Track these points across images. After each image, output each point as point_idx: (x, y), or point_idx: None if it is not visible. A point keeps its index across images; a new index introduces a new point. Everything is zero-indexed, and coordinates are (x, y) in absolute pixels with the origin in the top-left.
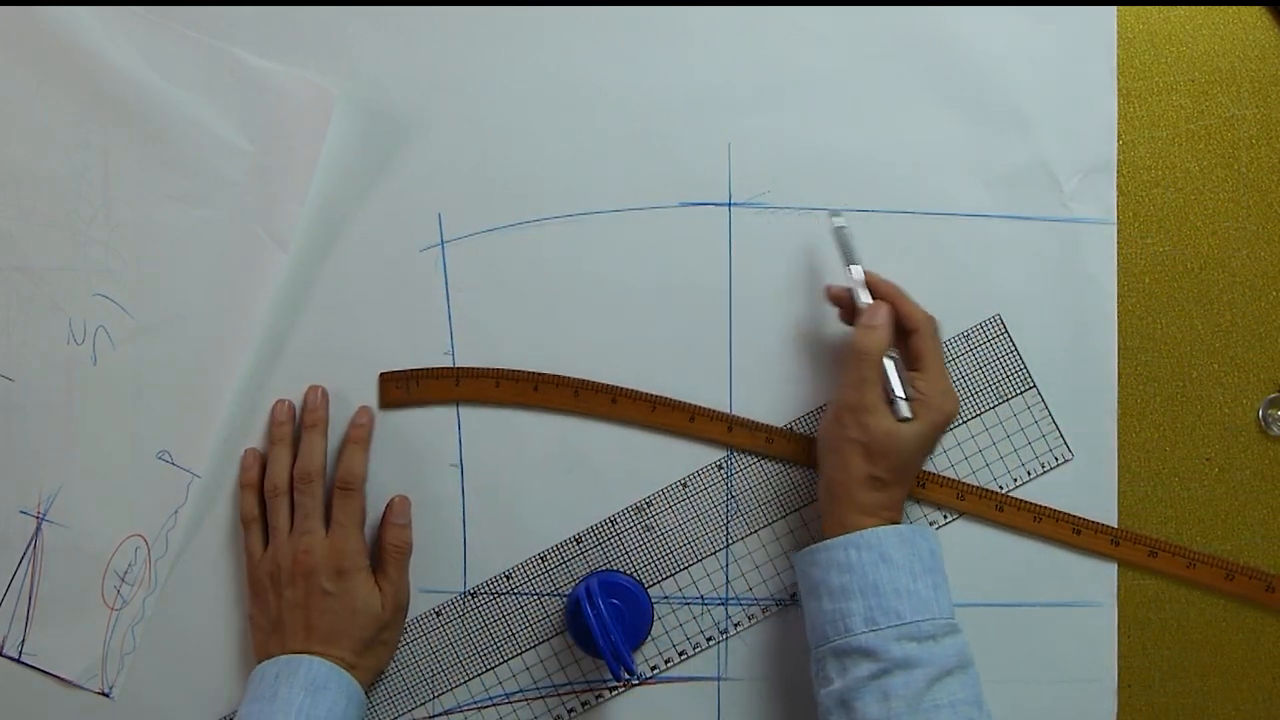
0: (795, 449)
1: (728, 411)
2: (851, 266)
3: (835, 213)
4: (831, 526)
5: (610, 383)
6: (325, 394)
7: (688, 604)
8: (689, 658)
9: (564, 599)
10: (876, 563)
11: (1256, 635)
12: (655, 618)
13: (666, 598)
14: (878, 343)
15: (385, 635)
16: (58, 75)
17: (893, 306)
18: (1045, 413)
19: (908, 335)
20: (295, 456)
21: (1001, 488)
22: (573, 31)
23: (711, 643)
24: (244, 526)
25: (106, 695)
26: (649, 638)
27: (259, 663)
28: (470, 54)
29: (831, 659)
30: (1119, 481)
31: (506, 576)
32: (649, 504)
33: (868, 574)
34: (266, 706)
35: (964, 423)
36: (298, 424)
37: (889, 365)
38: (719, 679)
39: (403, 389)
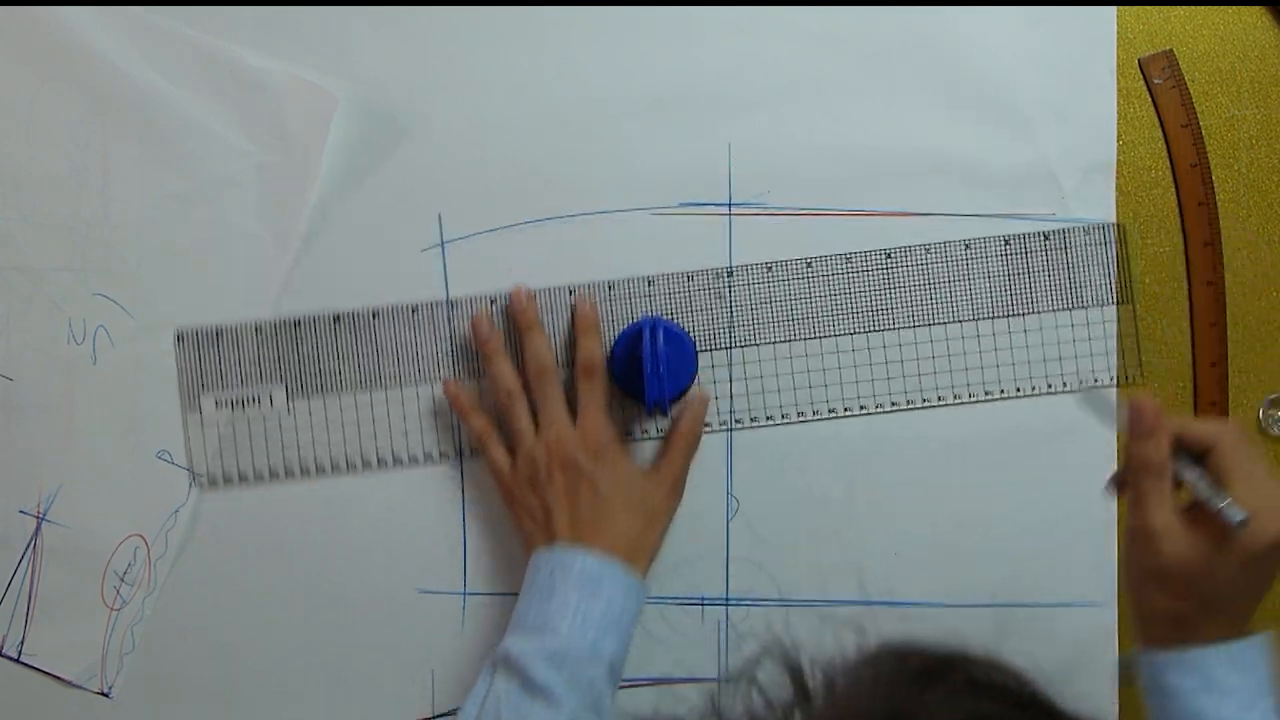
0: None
1: (728, 409)
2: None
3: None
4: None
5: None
6: (531, 293)
7: (686, 605)
8: (688, 652)
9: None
10: (1197, 691)
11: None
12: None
13: (665, 599)
14: (1153, 451)
15: (655, 517)
16: (58, 75)
17: (1176, 435)
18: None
19: (1206, 456)
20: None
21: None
22: (573, 31)
23: (714, 649)
24: (479, 443)
25: (106, 695)
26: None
27: (530, 553)
28: (470, 54)
29: None
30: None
31: (570, 290)
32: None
33: (1187, 703)
34: (544, 605)
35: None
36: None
37: (1195, 479)
38: (719, 680)
39: None
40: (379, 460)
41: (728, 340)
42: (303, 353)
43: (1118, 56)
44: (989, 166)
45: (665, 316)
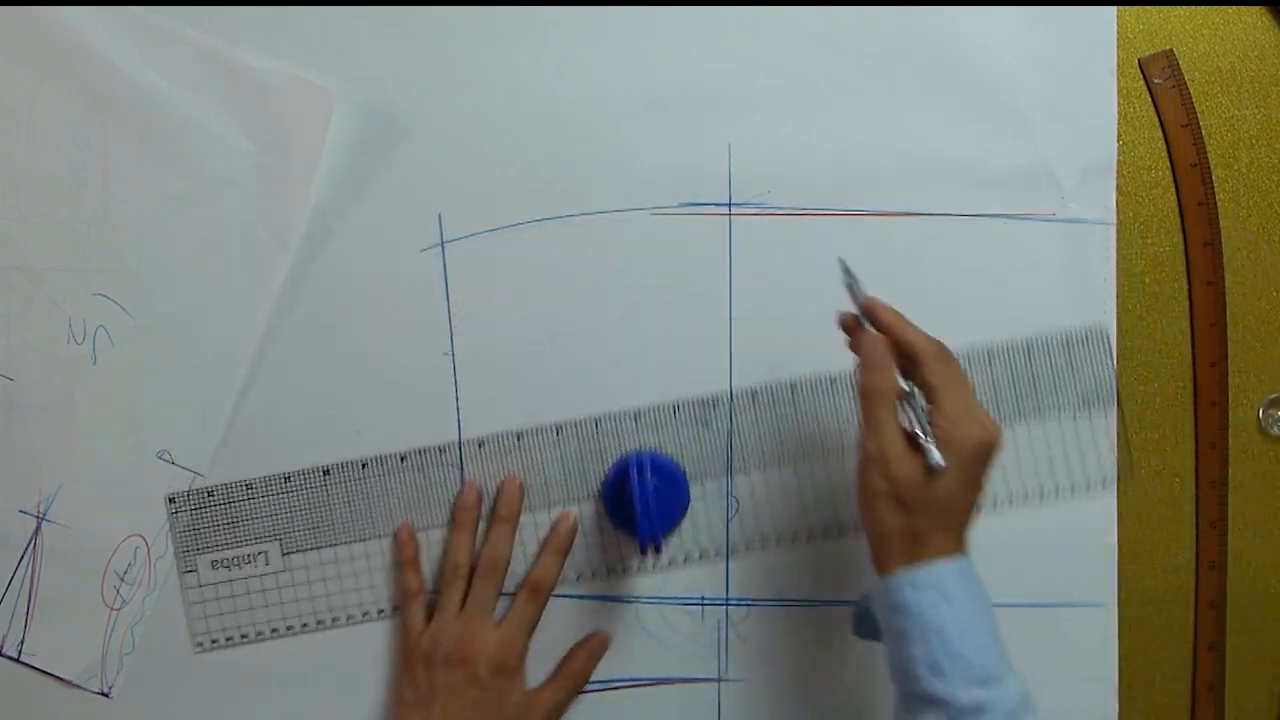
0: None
1: (728, 414)
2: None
3: (846, 268)
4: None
5: (610, 382)
6: (523, 488)
7: (687, 605)
8: (688, 652)
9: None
10: (936, 602)
11: (1257, 635)
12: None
13: (666, 598)
14: (883, 381)
15: None
16: (58, 75)
17: (890, 338)
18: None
19: (914, 366)
20: (468, 542)
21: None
22: (573, 31)
23: (714, 649)
24: (403, 600)
25: (106, 695)
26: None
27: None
28: (470, 54)
29: (902, 705)
30: (1118, 482)
31: (557, 429)
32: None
33: (927, 615)
34: None
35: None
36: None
37: (912, 408)
38: (719, 679)
39: None
40: (379, 611)
41: (719, 467)
42: (294, 507)
43: (1118, 56)
44: (989, 166)
45: (654, 447)
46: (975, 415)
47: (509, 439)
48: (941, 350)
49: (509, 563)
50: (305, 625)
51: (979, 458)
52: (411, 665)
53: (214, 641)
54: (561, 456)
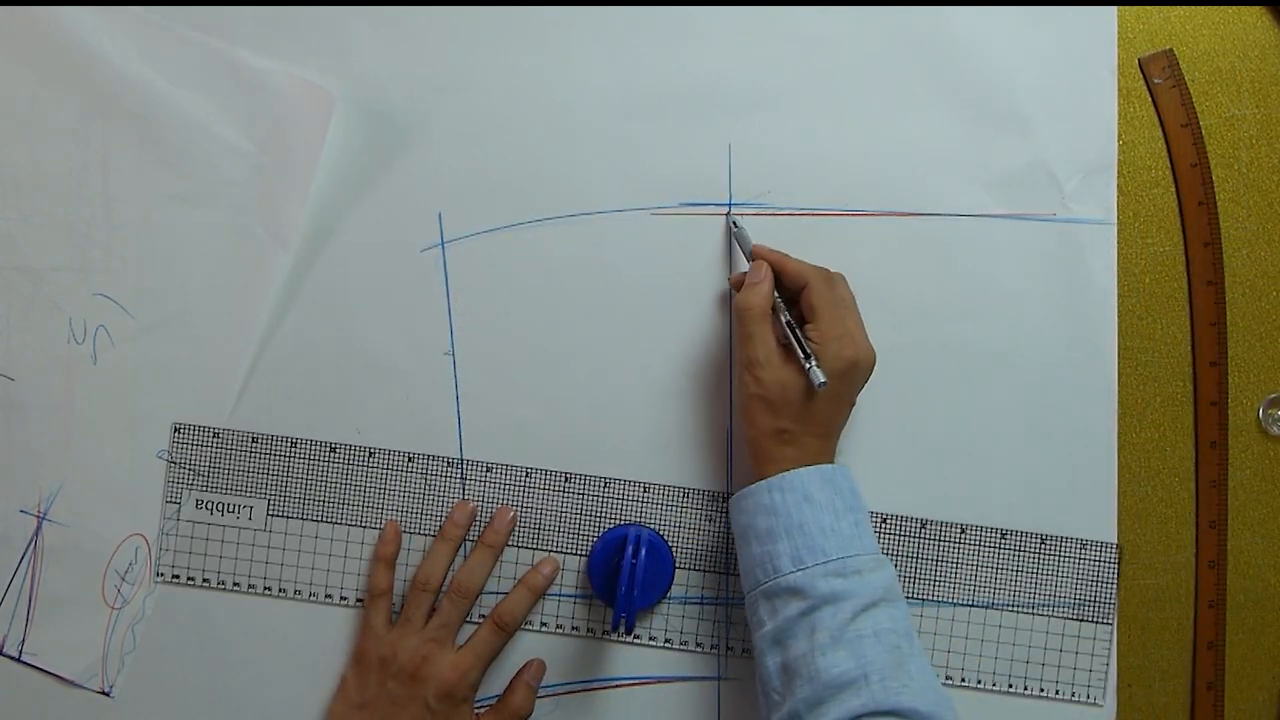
0: None
1: (727, 417)
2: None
3: (735, 220)
4: (758, 477)
5: (610, 382)
6: (514, 521)
7: (687, 604)
8: (688, 651)
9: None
10: (800, 503)
11: (1256, 634)
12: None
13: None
14: (756, 298)
15: None
16: (58, 75)
17: (777, 270)
18: (1106, 651)
19: (800, 293)
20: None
21: (1026, 690)
22: (573, 31)
23: (714, 649)
24: (369, 597)
25: (106, 694)
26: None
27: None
28: (470, 54)
29: (763, 601)
30: (1119, 481)
31: (565, 476)
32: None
33: (792, 515)
34: None
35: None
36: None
37: (789, 329)
38: (719, 679)
39: None
40: (341, 598)
41: (709, 564)
42: (290, 473)
43: (1118, 56)
44: (989, 166)
45: (653, 526)
46: (851, 335)
47: (517, 472)
48: (827, 276)
49: (481, 590)
50: (269, 590)
51: (847, 373)
52: (364, 666)
53: (175, 577)
54: (562, 507)
